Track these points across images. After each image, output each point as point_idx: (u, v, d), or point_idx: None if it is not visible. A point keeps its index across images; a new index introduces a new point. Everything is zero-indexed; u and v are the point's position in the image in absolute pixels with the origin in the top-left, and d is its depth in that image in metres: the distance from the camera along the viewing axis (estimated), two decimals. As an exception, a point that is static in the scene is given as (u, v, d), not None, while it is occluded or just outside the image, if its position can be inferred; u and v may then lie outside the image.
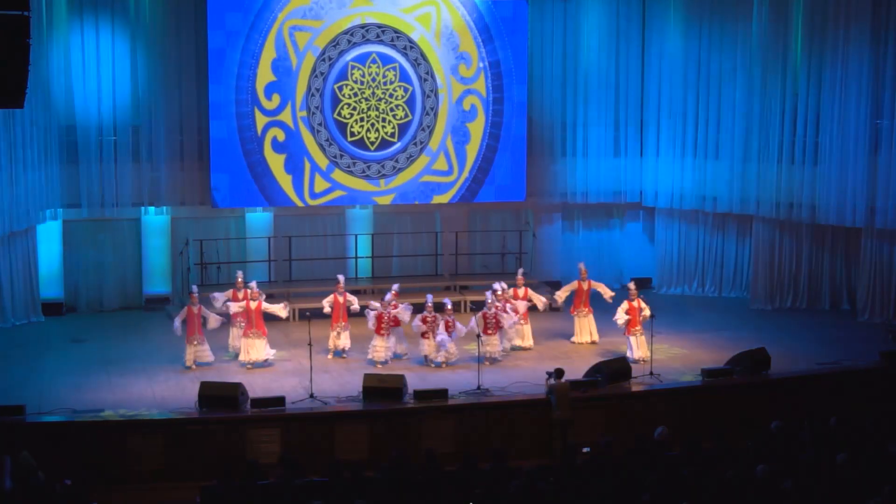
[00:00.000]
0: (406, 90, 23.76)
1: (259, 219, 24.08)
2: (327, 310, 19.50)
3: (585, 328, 20.58)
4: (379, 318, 18.86)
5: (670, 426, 14.63)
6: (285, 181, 23.30)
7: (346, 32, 23.24)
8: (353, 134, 23.61)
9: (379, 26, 23.46)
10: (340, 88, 23.39)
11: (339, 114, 23.46)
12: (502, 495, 11.97)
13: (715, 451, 13.63)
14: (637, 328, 19.32)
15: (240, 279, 19.93)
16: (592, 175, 25.51)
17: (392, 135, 23.80)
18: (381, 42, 23.54)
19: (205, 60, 22.86)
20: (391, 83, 23.68)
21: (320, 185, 23.52)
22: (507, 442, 16.01)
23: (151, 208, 23.38)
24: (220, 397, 16.21)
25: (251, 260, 23.40)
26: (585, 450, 14.11)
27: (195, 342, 18.80)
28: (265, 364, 18.92)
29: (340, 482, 12.72)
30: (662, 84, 25.21)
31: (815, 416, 14.81)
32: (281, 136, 23.22)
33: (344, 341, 19.53)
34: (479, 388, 17.36)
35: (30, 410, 15.87)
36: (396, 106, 23.74)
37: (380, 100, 23.65)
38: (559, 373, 16.67)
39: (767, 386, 18.02)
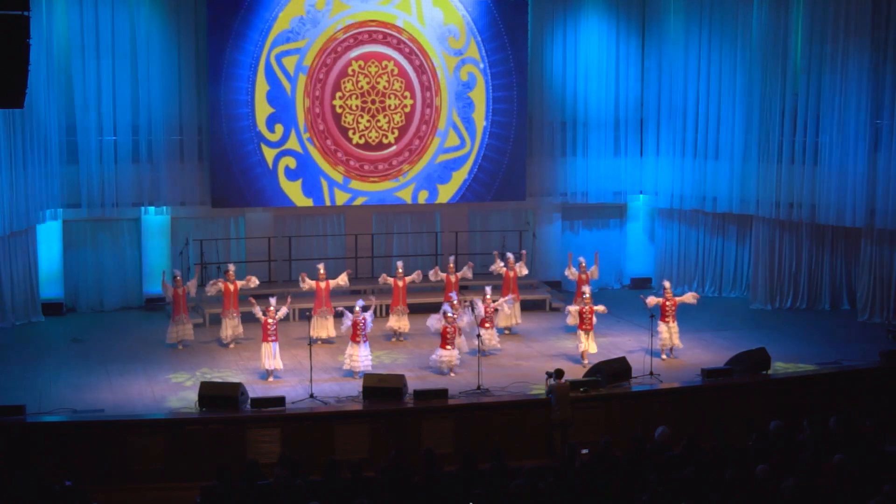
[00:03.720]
0: (404, 88, 23.83)
1: (259, 219, 24.09)
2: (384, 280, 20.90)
3: (511, 315, 21.09)
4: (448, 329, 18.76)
5: (670, 426, 14.62)
6: (305, 203, 23.59)
7: (332, 42, 23.26)
8: (360, 138, 23.66)
9: (370, 32, 23.56)
10: (340, 97, 23.47)
11: (343, 122, 23.51)
12: (502, 495, 11.96)
13: (715, 451, 13.63)
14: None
15: (231, 271, 20.47)
16: (592, 175, 25.53)
17: (395, 131, 23.86)
18: (376, 42, 23.61)
19: (205, 60, 22.88)
20: (388, 82, 23.71)
21: (341, 197, 23.67)
22: (507, 442, 16.00)
23: (151, 208, 23.38)
24: (220, 397, 16.21)
25: (251, 260, 23.40)
26: (584, 451, 14.10)
27: (181, 321, 19.77)
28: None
29: (340, 482, 12.72)
30: (662, 84, 25.23)
31: (815, 416, 14.79)
32: (293, 164, 23.30)
33: (403, 324, 20.73)
34: (479, 388, 17.36)
35: (30, 410, 15.88)
36: (395, 105, 23.81)
37: (382, 98, 23.72)
38: (559, 373, 16.67)
39: (767, 386, 18.02)
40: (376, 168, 23.85)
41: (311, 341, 19.61)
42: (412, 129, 23.96)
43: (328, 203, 23.68)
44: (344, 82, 23.49)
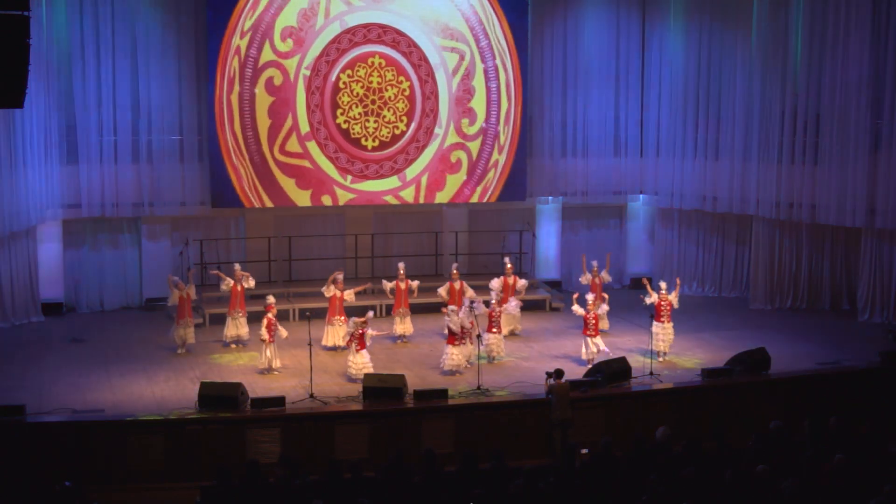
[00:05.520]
0: (397, 74, 23.79)
1: (259, 219, 24.08)
2: (388, 287, 20.72)
3: (512, 320, 20.96)
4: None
5: (670, 426, 14.63)
6: (305, 202, 23.35)
7: (322, 58, 23.27)
8: (374, 141, 23.68)
9: (398, 32, 23.58)
10: (342, 113, 23.49)
11: (353, 134, 23.54)
12: (502, 495, 11.97)
13: (715, 451, 13.63)
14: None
15: (238, 270, 20.32)
16: (592, 175, 25.51)
17: (403, 118, 23.85)
18: (383, 43, 23.60)
19: (205, 60, 22.86)
20: (381, 75, 23.69)
21: (293, 145, 23.33)
22: (507, 442, 16.00)
23: (151, 208, 23.33)
24: (220, 397, 16.21)
25: (251, 260, 23.39)
26: (584, 451, 14.11)
27: (186, 325, 19.59)
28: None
29: (340, 482, 12.72)
30: (662, 84, 25.22)
31: (815, 416, 14.79)
32: (278, 80, 23.08)
33: (406, 327, 20.51)
34: (479, 388, 17.36)
35: (30, 410, 15.87)
36: (395, 95, 23.81)
37: (381, 93, 23.71)
38: (559, 373, 16.66)
39: (767, 386, 18.02)
40: (381, 167, 23.81)
41: (325, 348, 19.70)
42: (418, 109, 23.89)
43: (280, 138, 23.22)
44: (339, 97, 23.45)
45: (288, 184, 23.29)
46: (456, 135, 24.18)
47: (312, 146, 23.39)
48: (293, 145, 23.27)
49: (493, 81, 24.27)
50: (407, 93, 23.84)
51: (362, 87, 23.55)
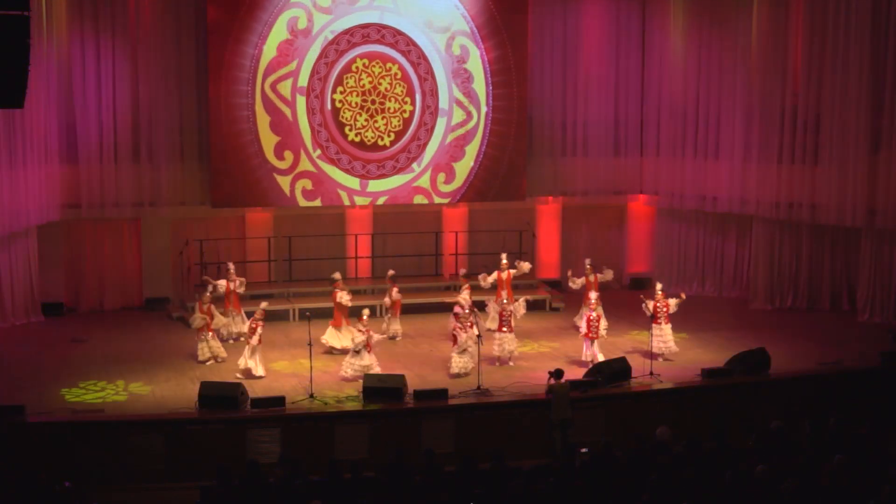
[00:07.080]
0: (405, 94, 23.80)
1: (259, 219, 24.08)
2: (388, 302, 20.72)
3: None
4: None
5: (670, 426, 14.63)
6: (269, 51, 22.96)
7: (334, 43, 23.29)
8: (356, 136, 23.64)
9: (396, 32, 23.57)
10: (341, 92, 23.47)
11: (341, 117, 23.51)
12: (502, 495, 11.97)
13: (715, 451, 13.63)
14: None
15: (231, 269, 20.48)
16: (592, 175, 25.51)
17: (392, 134, 23.83)
18: (392, 46, 23.60)
19: (205, 60, 22.86)
20: (391, 84, 23.70)
21: (284, 89, 23.29)
22: (507, 442, 15.98)
23: (151, 208, 23.34)
24: (220, 397, 16.21)
25: (251, 260, 23.39)
26: (584, 450, 14.11)
27: (209, 337, 19.10)
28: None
29: (340, 482, 12.72)
30: (662, 84, 25.22)
31: (815, 416, 14.80)
32: (302, 23, 23.04)
33: (396, 327, 20.61)
34: (479, 388, 17.35)
35: (30, 410, 15.87)
36: (394, 109, 23.80)
37: (382, 101, 23.70)
38: (559, 373, 16.66)
39: (767, 386, 18.02)
40: (377, 167, 23.84)
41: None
42: (408, 134, 23.92)
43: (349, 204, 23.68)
44: (346, 77, 23.46)
45: (263, 120, 23.10)
46: (428, 182, 24.20)
47: (301, 101, 23.32)
48: (284, 90, 23.20)
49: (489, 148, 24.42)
50: (406, 115, 23.84)
51: (370, 83, 23.56)
